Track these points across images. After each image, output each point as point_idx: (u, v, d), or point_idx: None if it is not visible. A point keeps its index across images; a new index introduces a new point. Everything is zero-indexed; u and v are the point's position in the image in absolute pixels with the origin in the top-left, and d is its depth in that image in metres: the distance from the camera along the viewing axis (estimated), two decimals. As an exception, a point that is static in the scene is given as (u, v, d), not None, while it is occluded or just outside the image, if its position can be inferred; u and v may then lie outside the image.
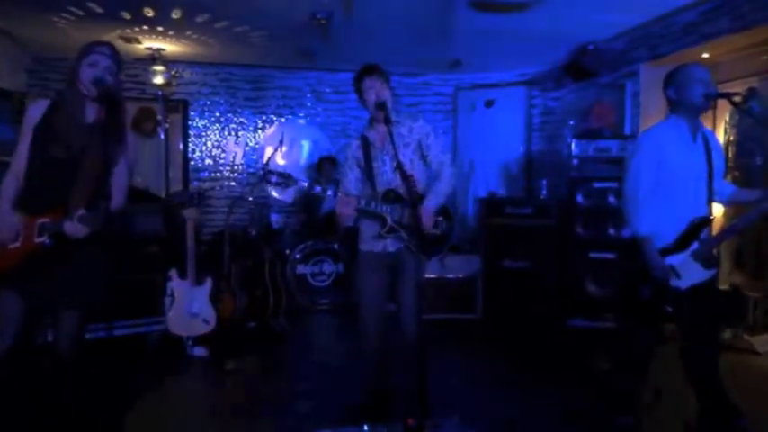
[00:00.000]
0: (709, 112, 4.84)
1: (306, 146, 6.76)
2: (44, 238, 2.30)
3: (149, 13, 4.61)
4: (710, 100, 2.69)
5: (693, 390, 2.84)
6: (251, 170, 6.62)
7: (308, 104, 6.82)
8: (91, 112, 2.40)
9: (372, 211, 2.84)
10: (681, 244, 2.68)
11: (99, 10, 4.52)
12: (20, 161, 2.37)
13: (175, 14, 4.68)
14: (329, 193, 2.83)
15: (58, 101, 2.43)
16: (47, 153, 2.33)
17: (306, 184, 2.79)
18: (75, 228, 2.26)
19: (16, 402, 2.75)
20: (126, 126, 2.50)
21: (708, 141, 2.78)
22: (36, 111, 2.39)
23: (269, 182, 2.73)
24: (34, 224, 2.30)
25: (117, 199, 2.43)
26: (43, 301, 2.39)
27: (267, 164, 5.38)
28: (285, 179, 2.72)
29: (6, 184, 2.38)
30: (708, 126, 4.86)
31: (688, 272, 2.67)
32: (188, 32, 5.17)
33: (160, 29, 5.07)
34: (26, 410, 2.94)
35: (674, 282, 2.67)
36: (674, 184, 2.69)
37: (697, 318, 2.77)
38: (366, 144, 2.99)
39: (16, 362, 2.41)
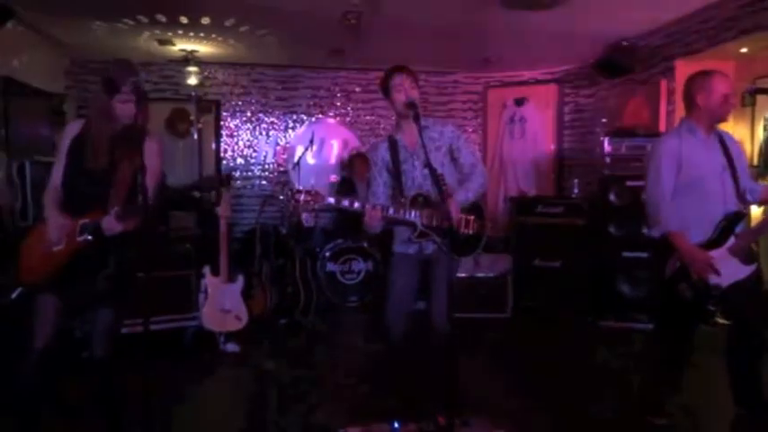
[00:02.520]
0: (748, 109, 4.73)
1: (335, 145, 6.81)
2: (86, 236, 2.41)
3: (184, 20, 4.74)
4: (729, 105, 2.72)
5: (732, 388, 2.79)
6: (282, 169, 6.70)
7: (338, 104, 6.86)
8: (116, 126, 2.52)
9: (402, 219, 2.84)
10: (717, 240, 2.64)
11: (135, 15, 4.65)
12: (57, 176, 2.51)
13: (205, 21, 4.80)
14: (356, 206, 2.79)
15: (89, 122, 2.54)
16: (82, 167, 2.46)
17: (332, 201, 2.80)
18: (111, 223, 2.37)
19: (54, 394, 2.85)
20: (146, 130, 2.57)
21: (723, 139, 2.79)
22: (71, 130, 2.54)
23: (297, 201, 2.73)
24: (76, 225, 2.43)
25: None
26: (79, 300, 2.50)
27: (292, 181, 5.43)
28: (313, 197, 2.73)
29: (48, 195, 2.52)
30: (746, 122, 4.75)
31: (727, 268, 2.62)
32: (221, 35, 5.26)
33: (191, 33, 5.18)
34: (63, 401, 3.04)
35: (714, 280, 2.62)
36: (697, 183, 2.69)
37: (742, 315, 2.72)
38: (394, 146, 2.98)
39: (55, 355, 2.51)
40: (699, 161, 2.71)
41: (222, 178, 2.52)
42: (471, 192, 2.87)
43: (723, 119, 2.77)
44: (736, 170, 2.74)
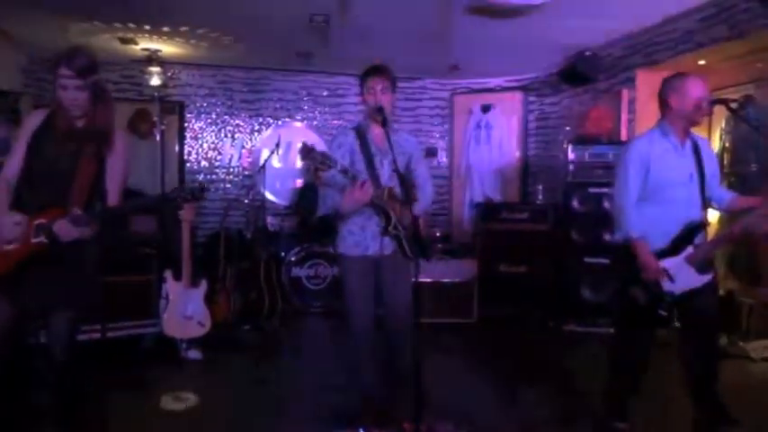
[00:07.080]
0: (705, 119, 4.86)
1: (302, 149, 6.74)
2: (41, 238, 2.29)
3: (145, 26, 4.72)
4: (703, 110, 2.71)
5: (689, 394, 2.85)
6: (246, 173, 6.61)
7: (305, 107, 6.81)
8: (80, 119, 2.44)
9: (383, 206, 2.81)
10: (674, 248, 2.69)
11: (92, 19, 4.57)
12: (13, 166, 2.39)
13: (165, 28, 4.82)
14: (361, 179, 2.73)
15: (53, 111, 2.45)
16: (43, 159, 2.36)
17: (341, 168, 2.66)
18: (66, 228, 2.26)
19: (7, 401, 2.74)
20: (112, 125, 2.50)
21: (698, 147, 2.81)
22: (35, 119, 2.45)
23: (312, 159, 2.57)
24: (31, 225, 2.30)
25: (112, 198, 2.44)
26: (34, 303, 2.38)
27: (258, 185, 5.38)
28: (327, 159, 2.61)
29: None
30: (703, 132, 4.89)
31: (682, 276, 2.68)
32: (185, 35, 5.17)
33: (155, 35, 5.09)
34: (16, 409, 2.92)
35: (667, 286, 2.68)
36: (663, 191, 2.72)
37: (692, 322, 2.79)
38: (363, 138, 2.94)
39: (7, 363, 2.40)
40: (667, 167, 2.71)
41: (194, 190, 2.40)
42: (424, 203, 3.05)
43: (696, 122, 2.75)
44: (705, 179, 2.76)
